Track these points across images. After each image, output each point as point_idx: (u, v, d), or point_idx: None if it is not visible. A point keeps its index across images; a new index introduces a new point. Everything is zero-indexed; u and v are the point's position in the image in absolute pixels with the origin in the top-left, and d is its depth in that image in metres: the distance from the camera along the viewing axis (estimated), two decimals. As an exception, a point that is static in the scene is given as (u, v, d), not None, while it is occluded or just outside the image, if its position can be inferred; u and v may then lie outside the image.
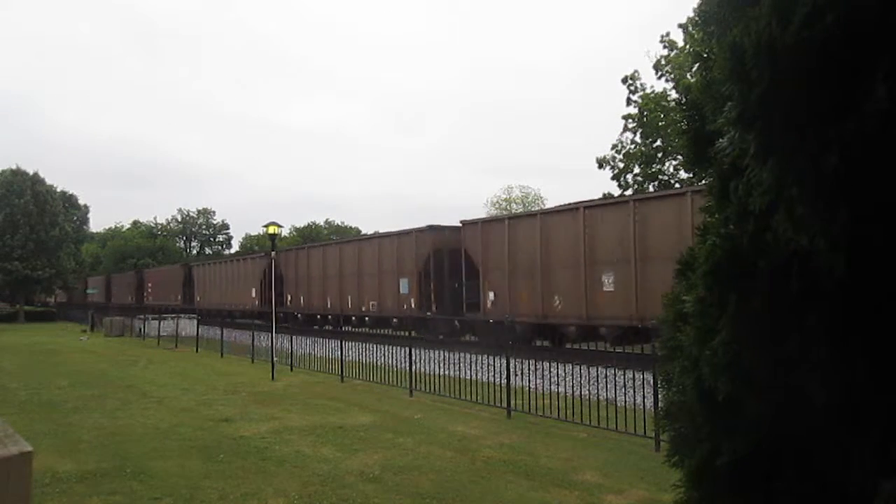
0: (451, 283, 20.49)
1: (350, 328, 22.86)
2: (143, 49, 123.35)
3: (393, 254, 22.80)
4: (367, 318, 24.36)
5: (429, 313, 20.67)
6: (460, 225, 20.53)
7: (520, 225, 18.55)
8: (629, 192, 29.47)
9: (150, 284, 47.22)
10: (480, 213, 54.62)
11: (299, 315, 28.08)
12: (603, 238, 15.92)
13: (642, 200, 15.79)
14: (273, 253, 17.64)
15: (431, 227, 21.77)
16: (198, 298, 38.82)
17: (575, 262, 16.40)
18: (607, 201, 17.94)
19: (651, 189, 28.91)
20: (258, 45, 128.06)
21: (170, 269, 46.48)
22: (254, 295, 32.11)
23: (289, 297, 29.42)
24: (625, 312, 15.25)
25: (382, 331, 22.01)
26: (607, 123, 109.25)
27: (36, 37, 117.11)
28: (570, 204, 17.33)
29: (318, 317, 27.52)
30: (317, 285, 27.59)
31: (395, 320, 22.10)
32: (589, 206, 16.64)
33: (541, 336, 17.96)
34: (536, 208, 18.86)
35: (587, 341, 15.94)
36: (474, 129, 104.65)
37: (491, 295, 18.86)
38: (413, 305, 21.37)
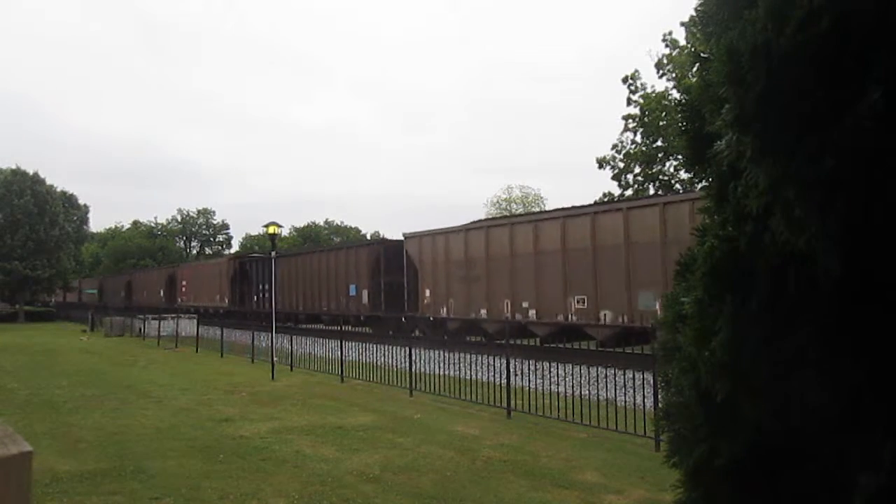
0: (399, 286, 23.67)
1: (309, 325, 27.26)
2: (145, 47, 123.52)
3: (352, 262, 26.29)
4: (324, 317, 28.12)
5: (380, 313, 24.24)
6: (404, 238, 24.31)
7: (449, 237, 21.52)
8: (629, 192, 29.49)
9: (137, 286, 50.50)
10: (481, 213, 54.70)
11: (281, 312, 30.96)
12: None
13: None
14: (273, 253, 17.64)
15: (380, 241, 27.32)
16: (178, 300, 41.66)
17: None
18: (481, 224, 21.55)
19: (651, 190, 28.94)
20: (260, 42, 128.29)
21: (155, 272, 50.10)
22: (223, 295, 35.88)
23: (255, 298, 32.92)
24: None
25: (344, 327, 25.16)
26: (612, 121, 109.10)
27: (35, 35, 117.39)
28: (481, 221, 22.26)
29: (290, 315, 30.62)
30: (288, 288, 30.62)
31: (352, 318, 25.51)
32: (491, 225, 20.85)
33: (469, 332, 20.62)
34: (464, 224, 21.85)
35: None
36: (478, 129, 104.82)
37: (427, 296, 21.83)
38: (367, 305, 25.03)
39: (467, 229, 20.97)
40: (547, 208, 50.53)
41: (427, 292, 21.79)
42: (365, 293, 25.04)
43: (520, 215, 19.94)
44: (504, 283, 18.87)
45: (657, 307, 14.30)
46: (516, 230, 18.85)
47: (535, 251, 17.96)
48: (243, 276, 34.32)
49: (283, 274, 30.31)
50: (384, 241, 26.71)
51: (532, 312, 17.99)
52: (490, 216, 49.56)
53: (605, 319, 15.96)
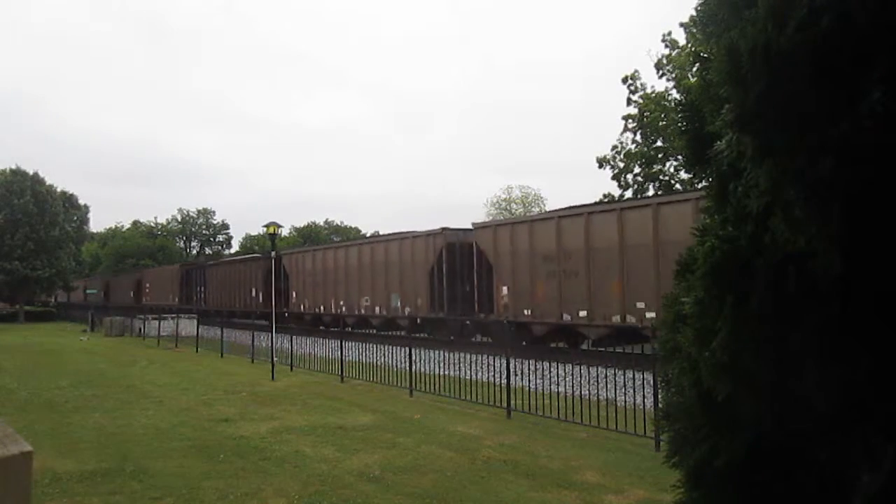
0: (280, 289, 30.20)
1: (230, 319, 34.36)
2: (145, 47, 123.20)
3: (253, 270, 34.51)
4: (237, 313, 35.88)
5: (268, 309, 32.55)
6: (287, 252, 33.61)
7: (306, 255, 30.95)
8: (629, 192, 29.48)
9: (113, 288, 56.34)
10: (481, 213, 54.77)
11: (210, 310, 38.59)
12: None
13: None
14: (273, 253, 17.73)
15: (269, 256, 37.08)
16: (143, 300, 46.92)
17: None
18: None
19: (651, 190, 28.94)
20: (260, 42, 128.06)
21: (126, 276, 56.24)
22: (174, 295, 43.32)
23: (195, 298, 41.90)
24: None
25: (248, 320, 33.60)
26: (612, 121, 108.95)
27: (35, 34, 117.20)
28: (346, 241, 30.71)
29: (216, 311, 37.41)
30: (215, 290, 39.03)
31: (253, 313, 33.29)
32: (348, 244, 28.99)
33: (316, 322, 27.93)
34: (342, 242, 31.99)
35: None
36: (478, 129, 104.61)
37: (294, 296, 30.71)
38: (262, 303, 32.30)
39: (314, 250, 30.69)
40: (547, 208, 50.76)
41: (294, 294, 30.71)
42: (260, 294, 33.05)
43: (347, 241, 27.73)
44: (335, 288, 27.30)
45: (398, 304, 23.02)
46: (349, 251, 26.97)
47: (346, 266, 26.53)
48: (189, 281, 42.65)
49: (214, 278, 38.86)
50: (274, 255, 33.05)
51: (344, 308, 26.25)
52: (490, 216, 49.66)
53: (377, 312, 24.36)
